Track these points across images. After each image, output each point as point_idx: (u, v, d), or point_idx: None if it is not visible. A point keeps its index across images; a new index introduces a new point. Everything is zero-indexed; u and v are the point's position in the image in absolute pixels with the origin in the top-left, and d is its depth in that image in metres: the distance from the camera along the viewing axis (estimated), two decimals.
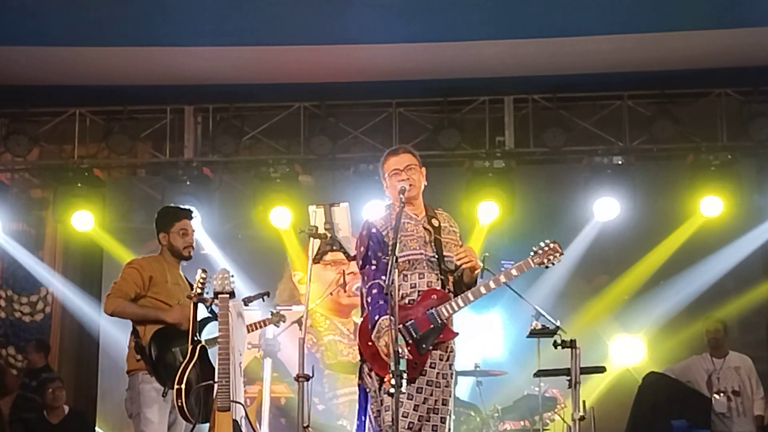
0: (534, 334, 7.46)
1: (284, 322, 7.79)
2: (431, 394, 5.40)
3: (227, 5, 8.46)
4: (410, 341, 5.38)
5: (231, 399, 6.47)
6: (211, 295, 6.75)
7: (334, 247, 5.29)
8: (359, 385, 5.58)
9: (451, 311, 5.42)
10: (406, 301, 5.44)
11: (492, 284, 5.47)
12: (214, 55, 9.13)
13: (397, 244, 5.21)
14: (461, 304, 5.44)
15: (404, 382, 5.24)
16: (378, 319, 5.36)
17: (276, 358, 9.10)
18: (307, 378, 5.20)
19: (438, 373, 5.41)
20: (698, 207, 9.70)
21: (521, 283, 7.71)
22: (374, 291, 5.46)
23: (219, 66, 9.32)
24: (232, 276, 6.75)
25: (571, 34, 8.75)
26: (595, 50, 9.06)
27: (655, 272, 10.06)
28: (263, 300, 7.46)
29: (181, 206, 7.07)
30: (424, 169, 5.66)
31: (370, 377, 5.48)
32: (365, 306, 5.52)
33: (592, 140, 9.91)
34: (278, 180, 10.03)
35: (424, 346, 5.35)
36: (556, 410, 8.81)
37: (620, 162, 9.83)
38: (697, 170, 9.79)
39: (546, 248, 5.53)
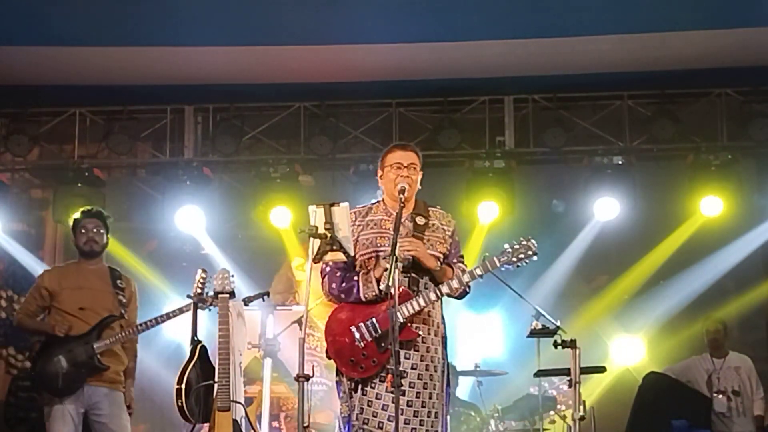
0: (534, 334, 7.45)
1: (213, 306, 6.94)
2: (402, 394, 5.31)
3: (228, 5, 8.46)
4: (370, 339, 5.38)
5: (231, 399, 6.47)
6: (211, 295, 6.76)
7: (334, 247, 5.28)
8: (337, 382, 5.58)
9: (411, 310, 5.37)
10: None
11: (454, 283, 5.43)
12: (214, 55, 9.12)
13: (396, 244, 5.21)
14: (422, 303, 5.40)
15: (377, 381, 5.32)
16: (360, 290, 5.42)
17: (276, 358, 9.10)
18: (307, 378, 5.20)
19: (403, 371, 5.32)
20: (698, 207, 9.70)
21: (521, 283, 7.73)
22: (333, 285, 5.51)
23: (219, 66, 9.32)
24: (232, 276, 6.77)
25: (571, 34, 8.74)
26: (595, 50, 9.05)
27: (655, 272, 10.05)
28: (263, 300, 7.46)
29: (87, 209, 7.34)
30: (421, 173, 5.64)
31: (343, 378, 5.49)
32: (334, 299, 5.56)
33: (592, 140, 9.91)
34: (278, 180, 10.02)
35: (383, 344, 5.30)
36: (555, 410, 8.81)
37: (620, 162, 9.82)
38: (697, 170, 9.79)
39: (517, 246, 5.44)
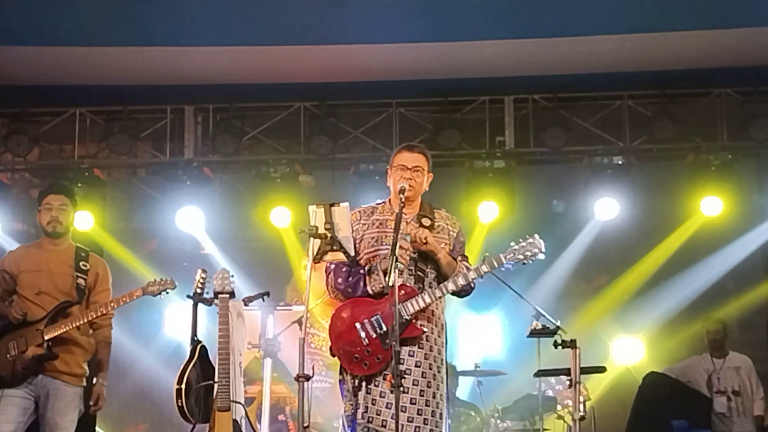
0: (534, 334, 7.44)
1: (172, 288, 6.58)
2: (405, 392, 5.31)
3: (227, 5, 8.47)
4: (375, 336, 5.38)
5: (231, 399, 6.47)
6: (211, 295, 6.76)
7: (334, 247, 5.29)
8: (340, 381, 5.58)
9: (417, 307, 5.38)
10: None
11: (460, 280, 5.43)
12: (214, 55, 9.13)
13: (396, 243, 5.22)
14: (427, 300, 5.40)
15: (380, 379, 5.31)
16: (367, 283, 5.42)
17: (276, 358, 9.11)
18: (307, 378, 5.20)
19: (407, 369, 5.33)
20: (698, 207, 9.70)
21: (521, 283, 7.73)
22: (339, 280, 5.52)
23: (219, 66, 9.32)
24: (232, 276, 6.76)
25: (571, 34, 8.75)
26: (595, 50, 9.06)
27: (655, 272, 10.06)
28: (263, 300, 7.46)
29: (56, 182, 6.94)
30: (431, 175, 5.65)
31: (347, 376, 5.50)
32: (340, 295, 5.57)
33: (592, 140, 9.91)
34: (278, 180, 10.03)
35: (387, 341, 5.26)
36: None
37: (620, 162, 9.83)
38: (697, 170, 9.79)
39: (524, 244, 5.44)
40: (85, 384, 6.49)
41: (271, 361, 8.95)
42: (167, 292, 6.56)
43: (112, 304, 6.41)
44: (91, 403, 6.45)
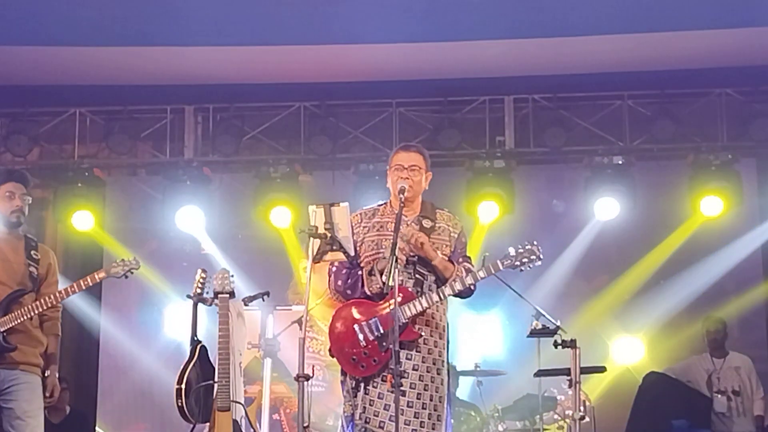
0: (534, 333, 7.44)
1: (136, 268, 6.47)
2: (403, 395, 5.32)
3: (227, 5, 8.47)
4: (372, 338, 5.39)
5: (231, 399, 6.48)
6: (211, 295, 6.77)
7: (334, 247, 5.29)
8: (342, 382, 5.59)
9: (413, 311, 5.38)
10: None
11: (457, 285, 5.43)
12: (214, 55, 9.13)
13: (396, 244, 5.22)
14: (425, 304, 5.40)
15: (379, 381, 5.32)
16: (365, 284, 5.44)
17: (276, 358, 9.11)
18: (307, 378, 5.21)
19: (404, 372, 5.33)
20: (698, 207, 9.70)
21: (521, 283, 7.72)
22: (339, 282, 5.54)
23: (219, 66, 9.33)
24: (232, 276, 6.77)
25: (571, 34, 8.75)
26: (595, 50, 9.06)
27: (655, 272, 10.07)
28: (263, 300, 7.46)
29: (13, 168, 6.68)
30: (430, 174, 5.65)
31: (347, 377, 5.51)
32: (340, 297, 5.59)
33: (592, 140, 9.91)
34: (278, 180, 10.03)
35: (384, 344, 5.31)
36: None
37: (620, 162, 9.83)
38: (697, 170, 9.79)
39: (521, 250, 5.45)
40: (41, 375, 6.13)
41: (271, 361, 8.96)
42: (132, 272, 6.38)
43: (74, 289, 6.12)
44: (47, 395, 6.11)
